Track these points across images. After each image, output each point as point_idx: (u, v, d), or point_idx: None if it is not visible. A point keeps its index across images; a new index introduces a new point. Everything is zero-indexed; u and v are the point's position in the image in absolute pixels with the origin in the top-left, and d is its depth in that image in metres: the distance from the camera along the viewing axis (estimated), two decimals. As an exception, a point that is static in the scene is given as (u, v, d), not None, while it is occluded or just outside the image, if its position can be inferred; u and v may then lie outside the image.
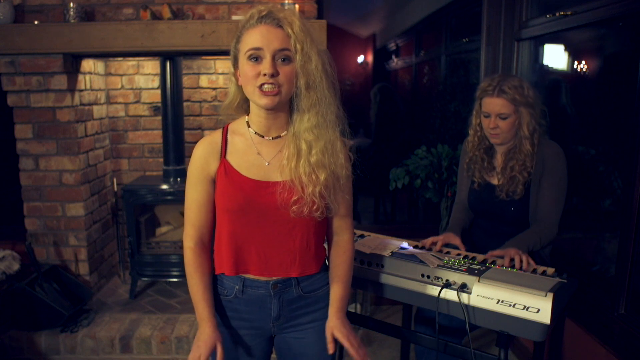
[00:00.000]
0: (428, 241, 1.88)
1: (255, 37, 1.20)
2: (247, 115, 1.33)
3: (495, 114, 1.88)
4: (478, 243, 2.05)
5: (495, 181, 1.99)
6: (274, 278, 1.33)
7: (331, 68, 1.26)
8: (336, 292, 1.36)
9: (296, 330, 1.39)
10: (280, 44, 1.19)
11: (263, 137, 1.30)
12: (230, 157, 1.30)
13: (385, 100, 3.95)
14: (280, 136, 1.30)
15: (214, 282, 1.37)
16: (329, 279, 1.39)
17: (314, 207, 1.25)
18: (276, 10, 1.21)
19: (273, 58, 1.19)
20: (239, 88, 1.28)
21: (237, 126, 1.34)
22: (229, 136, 1.32)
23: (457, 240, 1.90)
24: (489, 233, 2.04)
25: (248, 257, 1.31)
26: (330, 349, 1.33)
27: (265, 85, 1.19)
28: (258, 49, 1.19)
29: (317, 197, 1.24)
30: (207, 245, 1.36)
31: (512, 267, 1.65)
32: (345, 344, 1.31)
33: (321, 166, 1.24)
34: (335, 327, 1.33)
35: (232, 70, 1.29)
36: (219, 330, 1.32)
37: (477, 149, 2.01)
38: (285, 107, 1.28)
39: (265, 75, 1.18)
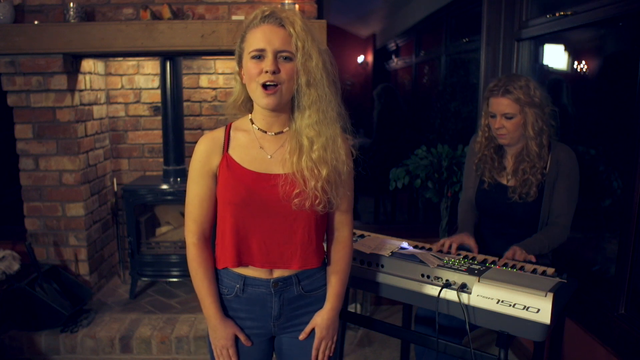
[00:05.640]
0: (445, 244, 1.82)
1: (258, 37, 1.22)
2: (251, 113, 1.35)
3: (500, 114, 1.87)
4: (485, 243, 2.04)
5: (505, 181, 1.98)
6: (275, 275, 1.34)
7: (332, 66, 1.29)
8: (334, 287, 1.39)
9: (297, 330, 1.40)
10: (281, 43, 1.22)
11: (266, 132, 1.32)
12: (233, 152, 1.32)
13: (389, 101, 3.96)
14: (282, 132, 1.33)
15: None
16: (327, 275, 1.41)
17: (316, 201, 1.27)
18: (279, 10, 1.25)
19: (275, 57, 1.22)
20: (244, 87, 1.31)
21: (240, 123, 1.36)
22: (231, 132, 1.35)
23: (471, 241, 1.86)
24: (496, 233, 2.03)
25: (250, 250, 1.32)
26: (301, 336, 1.38)
27: (267, 82, 1.22)
28: (261, 49, 1.22)
29: (320, 192, 1.26)
30: (209, 241, 1.38)
31: (513, 266, 1.65)
32: (315, 343, 1.38)
33: (323, 162, 1.26)
34: (319, 325, 1.38)
35: (237, 69, 1.32)
36: (228, 319, 1.36)
37: (487, 148, 1.99)
38: (287, 106, 1.30)
39: (267, 72, 1.21)
